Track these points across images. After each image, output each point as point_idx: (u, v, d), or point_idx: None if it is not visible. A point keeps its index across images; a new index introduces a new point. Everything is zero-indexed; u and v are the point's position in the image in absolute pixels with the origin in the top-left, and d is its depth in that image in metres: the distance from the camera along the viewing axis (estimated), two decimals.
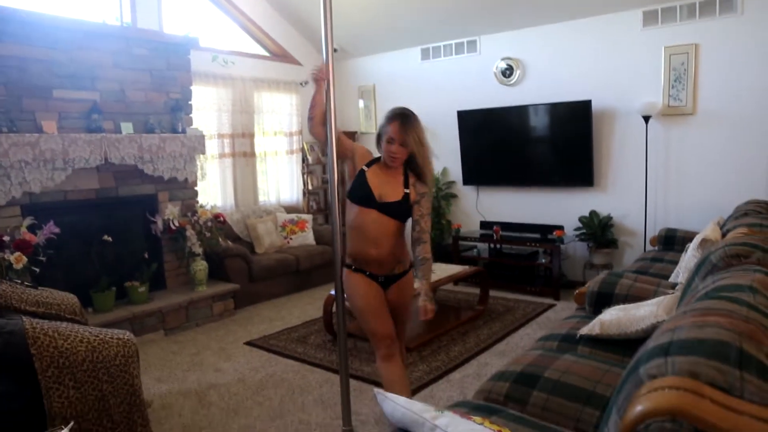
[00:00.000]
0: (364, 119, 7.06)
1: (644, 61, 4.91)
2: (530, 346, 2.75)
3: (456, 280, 4.69)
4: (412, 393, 3.23)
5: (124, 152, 4.32)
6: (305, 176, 6.77)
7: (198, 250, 4.74)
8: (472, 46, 5.97)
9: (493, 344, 3.99)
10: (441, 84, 6.24)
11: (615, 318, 2.56)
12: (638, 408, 0.98)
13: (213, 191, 5.74)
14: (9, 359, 1.97)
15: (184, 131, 4.83)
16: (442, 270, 4.71)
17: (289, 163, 6.59)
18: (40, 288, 2.90)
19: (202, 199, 5.20)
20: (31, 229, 3.84)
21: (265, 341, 4.25)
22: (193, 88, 5.09)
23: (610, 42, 5.06)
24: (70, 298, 2.91)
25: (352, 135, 7.01)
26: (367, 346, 4.01)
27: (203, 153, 4.95)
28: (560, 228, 5.25)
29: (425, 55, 6.37)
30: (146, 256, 4.58)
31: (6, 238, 3.66)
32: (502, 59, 5.71)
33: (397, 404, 1.48)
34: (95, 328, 2.27)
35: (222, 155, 5.81)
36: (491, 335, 4.15)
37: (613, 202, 5.20)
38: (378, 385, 3.36)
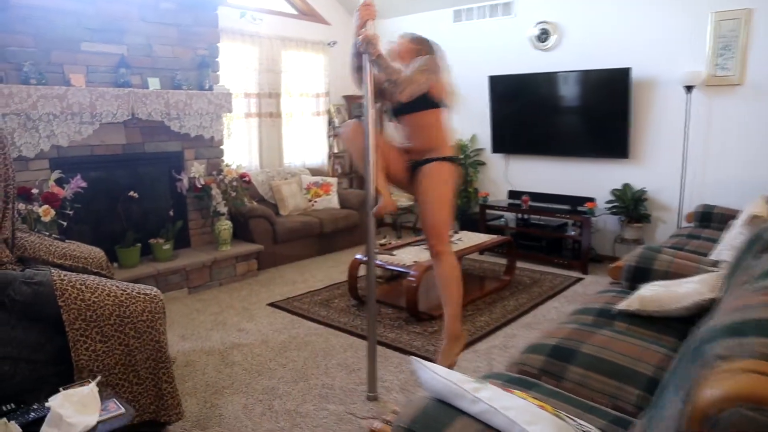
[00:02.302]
0: None
1: (689, 28, 4.64)
2: (562, 319, 2.66)
3: (482, 249, 4.60)
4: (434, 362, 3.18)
5: (151, 108, 4.26)
6: (331, 139, 6.67)
7: (222, 209, 4.71)
8: (507, 8, 5.73)
9: (519, 316, 3.92)
10: (473, 47, 6.02)
11: (655, 294, 2.45)
12: (712, 392, 0.89)
13: (239, 151, 5.67)
14: (37, 310, 1.95)
15: (211, 88, 4.75)
16: (468, 238, 4.62)
17: (315, 125, 6.48)
18: (67, 241, 2.88)
19: (227, 159, 5.15)
20: (59, 183, 3.83)
21: (288, 303, 4.23)
22: (220, 45, 4.97)
23: (654, 6, 4.79)
24: (97, 252, 2.90)
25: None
26: (391, 313, 3.98)
27: (230, 111, 4.88)
28: (591, 200, 5.09)
29: (457, 16, 6.14)
30: (171, 213, 4.56)
31: (34, 191, 3.66)
32: (538, 23, 5.47)
33: (435, 374, 1.41)
34: (122, 282, 2.24)
35: (248, 115, 5.72)
36: (518, 307, 4.08)
37: (648, 175, 5.01)
38: (402, 351, 3.33)
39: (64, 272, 2.07)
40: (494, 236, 4.77)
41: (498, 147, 5.90)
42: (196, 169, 4.58)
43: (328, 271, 5.18)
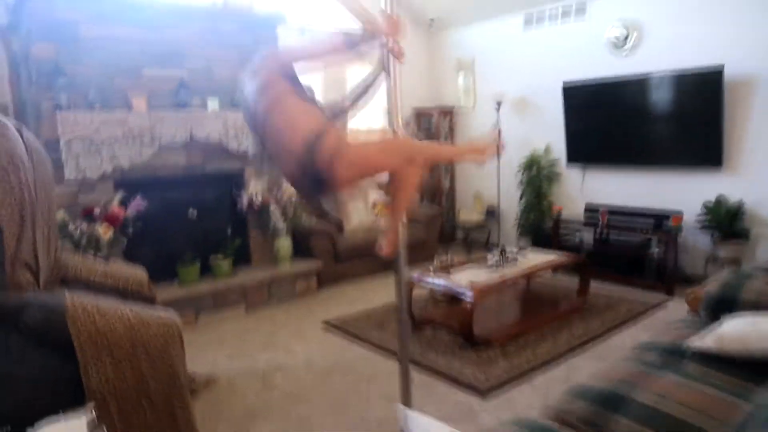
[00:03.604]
0: (463, 94, 6.62)
1: None
2: (623, 354, 2.30)
3: (551, 269, 4.24)
4: (486, 393, 2.91)
5: (209, 129, 4.34)
6: None
7: (281, 226, 4.70)
8: (580, 12, 5.32)
9: (588, 343, 3.53)
10: (545, 54, 5.66)
11: (739, 331, 2.04)
12: None
13: None
14: (49, 335, 1.94)
15: None
16: (536, 256, 4.27)
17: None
18: (111, 261, 2.93)
19: None
20: (122, 203, 3.97)
21: (343, 323, 4.10)
22: None
23: None
24: (138, 273, 2.91)
25: (449, 111, 6.66)
26: (447, 337, 3.72)
27: None
28: (678, 214, 4.54)
29: (528, 22, 5.80)
30: (230, 231, 4.60)
31: (97, 211, 3.81)
32: (614, 25, 5.01)
33: (423, 426, 1.20)
34: (140, 306, 2.20)
35: None
36: (587, 333, 3.67)
37: (747, 186, 4.38)
38: (450, 379, 3.07)
39: (80, 295, 2.06)
40: (565, 254, 4.38)
41: (573, 157, 5.47)
42: (254, 187, 4.61)
43: (389, 289, 4.98)
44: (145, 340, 2.05)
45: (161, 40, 4.22)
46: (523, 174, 5.77)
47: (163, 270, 4.23)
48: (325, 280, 5.08)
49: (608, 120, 5.11)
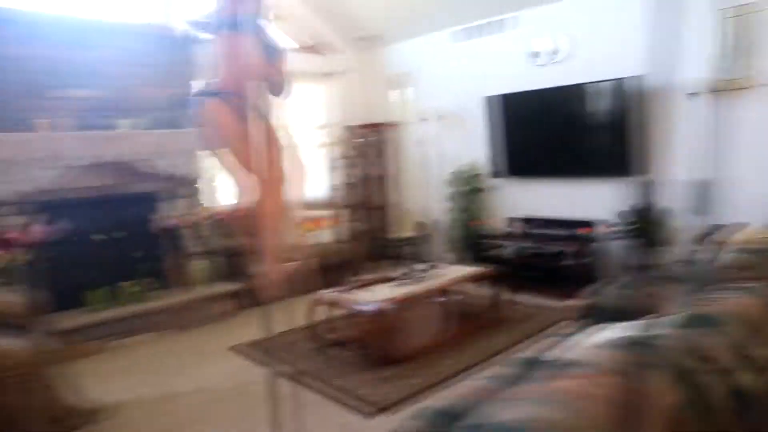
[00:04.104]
0: (396, 110, 6.62)
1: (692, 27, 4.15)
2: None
3: (467, 281, 4.24)
4: (373, 413, 2.87)
5: (120, 150, 4.26)
6: (333, 170, 6.51)
7: (196, 248, 4.62)
8: (504, 25, 5.42)
9: (492, 358, 3.51)
10: (469, 67, 5.73)
11: (589, 341, 2.04)
12: None
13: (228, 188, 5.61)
14: None
15: (187, 127, 4.71)
16: (451, 271, 4.27)
17: (316, 157, 6.35)
18: None
19: (214, 196, 5.05)
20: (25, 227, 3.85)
21: (252, 346, 4.01)
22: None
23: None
24: (10, 301, 2.82)
25: (382, 127, 6.66)
26: (352, 356, 3.67)
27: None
28: (590, 224, 4.61)
29: (456, 37, 5.86)
30: (141, 255, 4.49)
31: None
32: (537, 39, 5.11)
33: None
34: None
35: None
36: (492, 348, 3.67)
37: (659, 192, 4.46)
38: (340, 402, 3.02)
39: None
40: (481, 267, 4.39)
41: (497, 170, 5.51)
42: (168, 209, 4.53)
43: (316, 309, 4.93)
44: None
45: (70, 59, 4.14)
46: (451, 189, 5.79)
47: (72, 296, 4.12)
48: (249, 301, 4.99)
49: (530, 132, 5.18)
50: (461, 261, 5.28)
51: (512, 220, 5.38)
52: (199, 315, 4.58)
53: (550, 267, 4.81)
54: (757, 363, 1.46)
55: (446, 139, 5.98)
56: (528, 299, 4.66)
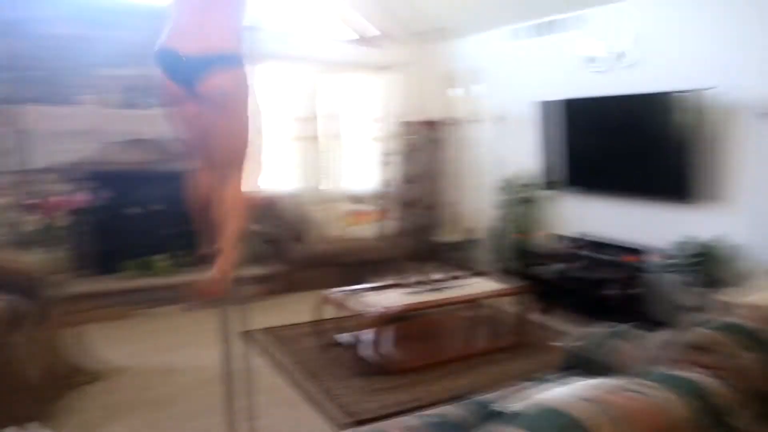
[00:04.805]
0: (457, 108, 6.35)
1: None
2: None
3: (485, 297, 3.99)
4: (347, 425, 2.74)
5: (161, 129, 4.33)
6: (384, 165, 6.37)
7: None
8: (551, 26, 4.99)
9: (494, 386, 3.22)
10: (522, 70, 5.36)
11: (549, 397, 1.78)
12: None
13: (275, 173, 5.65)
14: None
15: None
16: (477, 284, 4.02)
17: (367, 150, 6.25)
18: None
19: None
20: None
21: (262, 333, 4.02)
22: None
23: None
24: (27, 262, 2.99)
25: (439, 124, 6.41)
26: (351, 360, 3.55)
27: None
28: (638, 253, 4.16)
29: (518, 35, 5.50)
30: (176, 230, 4.60)
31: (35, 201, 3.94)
32: (598, 39, 4.66)
33: None
34: None
35: (294, 138, 5.69)
36: (500, 373, 3.39)
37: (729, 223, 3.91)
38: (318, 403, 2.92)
39: None
40: (511, 284, 4.10)
41: (553, 182, 5.10)
42: None
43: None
44: None
45: (116, 40, 4.31)
46: (502, 196, 5.47)
47: (107, 263, 4.35)
48: (286, 286, 5.02)
49: (589, 143, 4.75)
50: (504, 274, 4.96)
51: (561, 237, 4.98)
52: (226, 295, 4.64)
53: (591, 294, 4.38)
54: None
55: (501, 144, 5.65)
56: (560, 325, 4.30)
